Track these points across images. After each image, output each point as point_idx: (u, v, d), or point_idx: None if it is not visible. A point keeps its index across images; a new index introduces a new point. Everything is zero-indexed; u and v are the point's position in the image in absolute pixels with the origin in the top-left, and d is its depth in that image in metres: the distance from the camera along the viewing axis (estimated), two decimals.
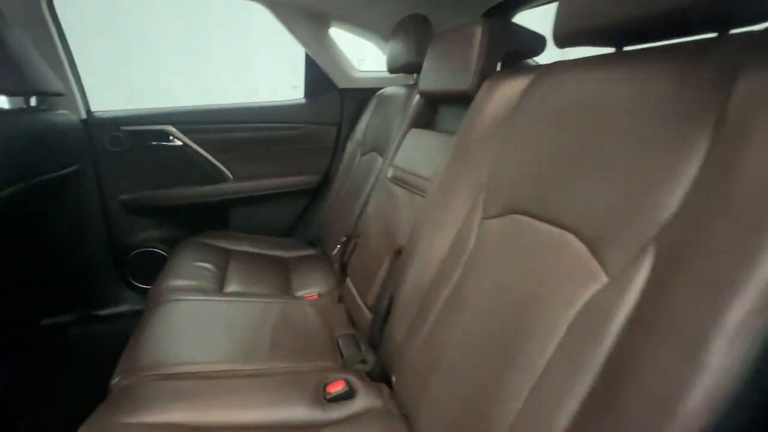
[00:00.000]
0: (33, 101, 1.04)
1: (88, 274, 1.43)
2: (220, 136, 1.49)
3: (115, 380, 0.68)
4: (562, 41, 0.56)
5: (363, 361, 0.85)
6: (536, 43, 0.78)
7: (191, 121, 1.45)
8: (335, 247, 1.18)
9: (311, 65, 1.53)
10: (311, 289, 1.17)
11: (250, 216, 1.59)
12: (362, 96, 1.52)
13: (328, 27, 1.46)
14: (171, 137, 1.43)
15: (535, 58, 0.90)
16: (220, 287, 1.09)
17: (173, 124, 1.42)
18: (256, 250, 1.41)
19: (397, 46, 1.17)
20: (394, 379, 0.71)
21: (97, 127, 1.34)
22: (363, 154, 1.35)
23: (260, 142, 1.55)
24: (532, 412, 0.42)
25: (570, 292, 0.43)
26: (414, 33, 1.10)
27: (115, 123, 1.36)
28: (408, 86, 1.17)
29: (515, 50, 0.75)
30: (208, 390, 0.68)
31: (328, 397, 0.71)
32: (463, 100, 0.83)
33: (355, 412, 0.69)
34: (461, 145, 0.71)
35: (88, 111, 1.35)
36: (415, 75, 1.29)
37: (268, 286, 1.15)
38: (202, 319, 0.88)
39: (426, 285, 0.67)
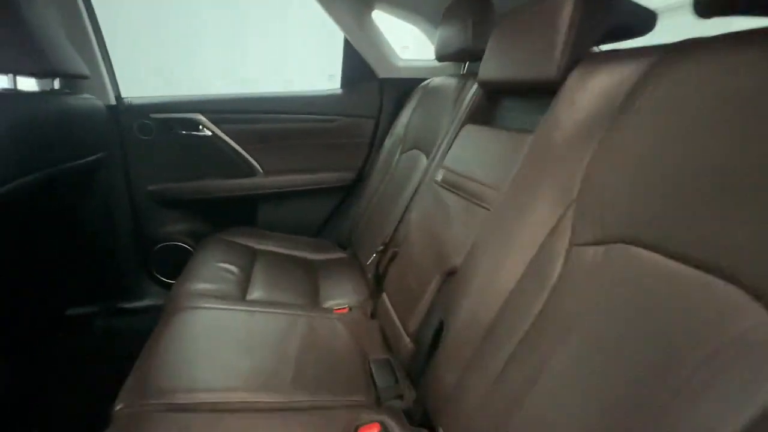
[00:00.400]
0: (57, 84, 0.97)
1: (114, 265, 1.39)
2: (250, 127, 1.40)
3: (118, 407, 0.59)
4: (706, 8, 0.40)
5: (400, 396, 0.73)
6: (643, 18, 0.62)
7: (221, 110, 1.36)
8: (369, 254, 1.06)
9: (350, 53, 1.41)
10: (341, 300, 1.06)
11: (278, 213, 1.50)
12: (404, 87, 1.38)
13: (372, 10, 1.33)
14: (200, 126, 1.35)
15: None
16: (242, 293, 1.00)
17: (203, 112, 1.34)
18: (283, 251, 1.31)
19: (450, 31, 1.02)
20: (441, 431, 0.58)
21: (127, 114, 1.28)
22: (404, 152, 1.22)
23: (292, 135, 1.45)
24: None
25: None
26: (472, 15, 0.95)
27: (144, 110, 1.30)
28: (460, 76, 1.03)
29: (616, 28, 0.60)
30: (222, 428, 0.57)
31: None
32: (538, 91, 0.68)
33: None
34: (541, 148, 0.57)
35: (118, 96, 1.29)
36: (467, 64, 1.14)
37: (294, 294, 1.04)
38: (220, 333, 0.79)
39: (490, 317, 0.54)
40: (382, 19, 1.38)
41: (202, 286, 0.97)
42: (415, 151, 1.13)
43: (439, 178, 0.82)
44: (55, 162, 0.90)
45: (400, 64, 1.43)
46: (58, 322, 1.30)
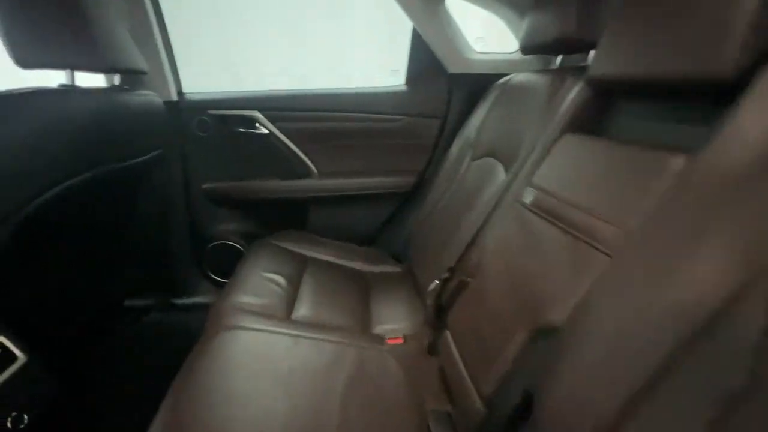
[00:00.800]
0: (117, 80, 0.94)
1: (168, 261, 1.39)
2: (307, 126, 1.32)
3: None
4: None
5: None
6: None
7: (278, 107, 1.30)
8: (430, 276, 0.92)
9: (418, 45, 1.27)
10: (394, 325, 0.94)
11: (331, 217, 1.41)
12: (478, 83, 1.22)
13: None
14: (257, 124, 1.29)
15: None
16: (288, 310, 0.91)
17: (260, 110, 1.28)
18: (334, 260, 1.22)
19: (546, 17, 0.84)
20: None
21: (186, 110, 1.26)
22: (475, 159, 1.06)
23: (350, 135, 1.35)
24: None
25: None
26: None
27: (203, 106, 1.27)
28: (555, 72, 0.84)
29: None
30: None
31: None
32: (687, 94, 0.49)
33: None
34: (707, 176, 0.39)
35: (180, 92, 1.26)
36: (559, 58, 0.95)
37: (343, 314, 0.94)
38: (260, 365, 0.70)
39: (613, 406, 0.38)
40: (454, 6, 1.22)
41: (247, 299, 0.89)
42: (489, 160, 0.97)
43: (528, 200, 0.65)
44: (111, 160, 0.87)
45: (475, 57, 1.26)
46: (117, 311, 1.33)
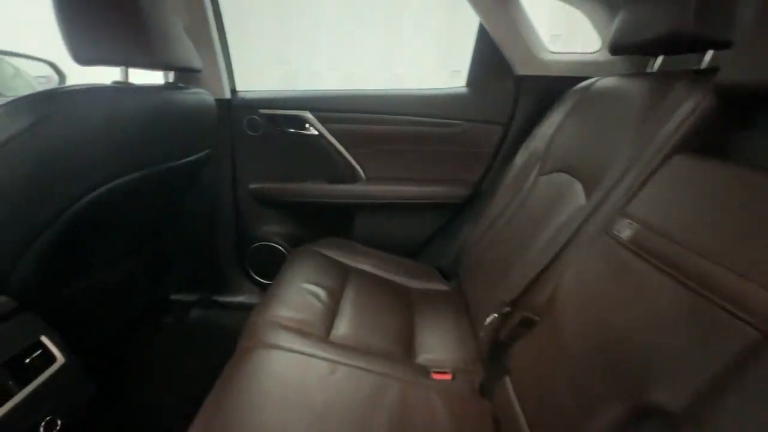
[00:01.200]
0: (172, 77, 0.93)
1: (213, 259, 1.39)
2: (357, 128, 1.25)
3: None
4: None
5: None
6: None
7: (329, 108, 1.24)
8: (484, 305, 0.81)
9: (483, 43, 1.15)
10: (441, 356, 0.84)
11: (377, 226, 1.34)
12: (550, 87, 1.08)
13: None
14: (307, 125, 1.25)
15: None
16: (327, 327, 0.85)
17: (311, 110, 1.23)
18: (378, 272, 1.14)
19: (648, 8, 0.70)
20: None
21: (238, 109, 1.24)
22: (543, 173, 0.93)
23: (402, 139, 1.26)
24: None
25: None
26: None
27: (255, 105, 1.24)
28: (658, 76, 0.70)
29: None
30: None
31: None
32: None
33: None
34: None
35: (233, 90, 1.25)
36: (658, 60, 0.80)
37: (386, 337, 0.86)
38: (294, 395, 0.63)
39: None
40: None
41: (285, 313, 0.84)
42: (562, 176, 0.84)
43: (624, 235, 0.53)
44: (162, 159, 0.85)
45: (548, 57, 1.12)
46: (162, 307, 1.35)
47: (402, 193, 1.28)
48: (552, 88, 1.07)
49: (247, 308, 1.30)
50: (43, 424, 0.61)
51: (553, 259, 0.68)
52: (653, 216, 0.51)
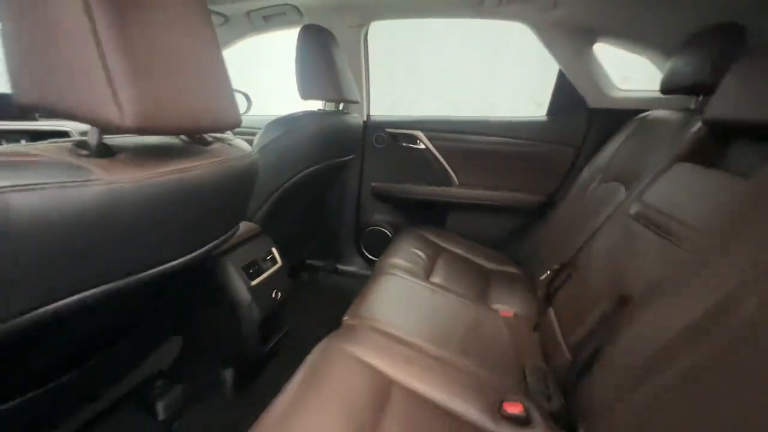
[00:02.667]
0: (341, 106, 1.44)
1: (338, 237, 1.88)
2: (456, 145, 1.64)
3: (345, 318, 0.90)
4: None
5: (549, 399, 0.79)
6: None
7: (436, 129, 1.66)
8: (545, 272, 1.12)
9: (562, 81, 1.47)
10: (508, 306, 1.16)
11: (464, 221, 1.70)
12: (615, 118, 1.35)
13: (593, 43, 1.37)
14: (418, 141, 1.68)
15: None
16: (427, 275, 1.23)
17: (422, 130, 1.67)
18: (463, 253, 1.49)
19: (684, 61, 0.98)
20: (582, 428, 0.63)
21: (370, 127, 1.73)
22: (603, 182, 1.21)
23: (492, 155, 1.62)
24: None
25: None
26: (718, 45, 0.90)
27: (381, 125, 1.72)
28: (687, 111, 0.97)
29: None
30: (405, 355, 0.79)
31: (503, 413, 0.71)
32: None
33: None
34: (759, 194, 0.55)
35: (368, 114, 1.75)
36: (699, 98, 1.05)
37: (468, 287, 1.21)
38: (410, 297, 1.03)
39: (657, 346, 0.56)
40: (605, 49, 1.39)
41: (399, 261, 1.25)
42: (615, 183, 1.12)
43: (633, 211, 0.83)
44: (332, 157, 1.35)
45: (616, 94, 1.40)
46: (302, 265, 1.88)
47: (486, 197, 1.63)
48: (617, 117, 1.34)
49: (358, 276, 1.74)
50: (272, 294, 1.09)
51: (593, 236, 0.98)
52: (654, 198, 0.81)
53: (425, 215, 1.74)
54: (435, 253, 1.40)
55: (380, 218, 1.84)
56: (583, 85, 1.42)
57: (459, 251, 1.51)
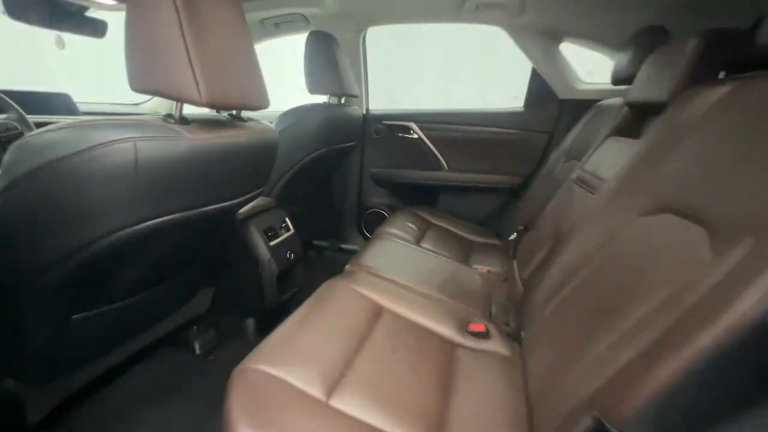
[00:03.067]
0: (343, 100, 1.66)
1: (341, 218, 2.10)
2: (445, 134, 1.86)
3: (347, 266, 1.12)
4: None
5: (507, 324, 1.00)
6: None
7: (428, 120, 1.88)
8: (513, 234, 1.33)
9: (536, 77, 1.69)
10: (484, 266, 1.38)
11: (455, 201, 1.92)
12: (581, 107, 1.56)
13: (560, 42, 1.58)
14: (411, 131, 1.90)
15: None
16: (418, 242, 1.45)
17: (415, 121, 1.88)
18: (450, 228, 1.71)
19: (624, 58, 1.19)
20: (523, 334, 0.85)
21: (369, 120, 1.95)
22: (565, 161, 1.42)
23: (477, 143, 1.83)
24: None
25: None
26: (643, 44, 1.11)
27: (379, 117, 1.94)
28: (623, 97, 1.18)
29: (744, 59, 0.72)
30: (395, 291, 1.01)
31: (468, 330, 0.92)
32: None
33: (485, 349, 0.88)
34: (642, 151, 0.76)
35: (367, 108, 1.97)
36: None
37: (452, 253, 1.42)
38: (402, 254, 1.25)
39: (567, 268, 0.78)
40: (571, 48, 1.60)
41: (394, 230, 1.47)
42: (573, 161, 1.33)
43: (574, 176, 1.04)
44: (336, 143, 1.57)
45: (581, 86, 1.61)
46: (309, 245, 2.10)
47: (473, 179, 1.84)
48: (583, 106, 1.55)
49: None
50: (287, 254, 1.31)
51: (550, 200, 1.20)
52: (589, 165, 1.02)
53: (419, 197, 1.96)
54: (425, 226, 1.62)
55: (379, 201, 2.06)
56: (553, 80, 1.63)
57: (447, 226, 1.72)
